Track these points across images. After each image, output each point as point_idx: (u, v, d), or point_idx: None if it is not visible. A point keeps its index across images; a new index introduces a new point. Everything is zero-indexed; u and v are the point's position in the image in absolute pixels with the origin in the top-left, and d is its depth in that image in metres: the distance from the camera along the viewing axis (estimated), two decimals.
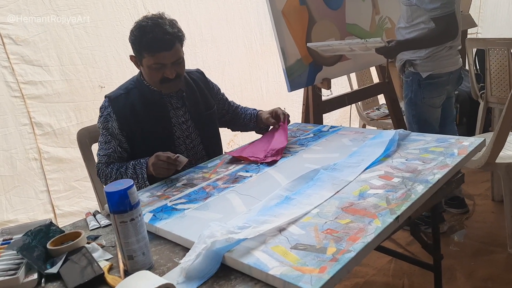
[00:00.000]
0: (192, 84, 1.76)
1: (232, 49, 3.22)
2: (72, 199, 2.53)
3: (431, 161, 1.36)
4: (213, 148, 1.80)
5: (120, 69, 2.60)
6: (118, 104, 1.61)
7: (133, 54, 1.60)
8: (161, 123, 1.65)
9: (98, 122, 1.66)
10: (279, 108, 1.86)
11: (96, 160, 1.69)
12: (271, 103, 3.52)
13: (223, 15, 3.12)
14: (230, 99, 1.97)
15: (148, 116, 1.63)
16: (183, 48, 1.60)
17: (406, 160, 1.40)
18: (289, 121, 1.85)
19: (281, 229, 1.05)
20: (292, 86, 2.23)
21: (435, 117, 2.33)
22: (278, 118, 1.81)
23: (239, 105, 2.00)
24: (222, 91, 1.93)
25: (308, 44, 2.27)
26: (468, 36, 3.95)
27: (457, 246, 2.30)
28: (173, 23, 1.56)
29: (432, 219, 1.66)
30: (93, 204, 2.54)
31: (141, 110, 1.62)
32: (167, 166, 1.46)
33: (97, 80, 2.55)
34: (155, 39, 1.48)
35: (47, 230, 1.13)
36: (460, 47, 2.26)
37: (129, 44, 1.57)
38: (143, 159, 1.54)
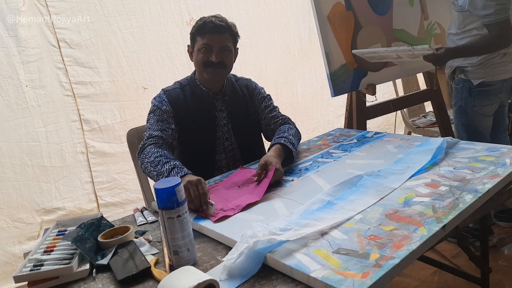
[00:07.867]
0: (238, 90, 1.82)
1: (269, 54, 3.25)
2: (114, 190, 2.66)
3: (481, 170, 1.31)
4: (250, 153, 1.80)
5: (163, 71, 2.72)
6: (172, 95, 1.72)
7: (190, 45, 1.73)
8: (207, 121, 1.73)
9: (150, 109, 1.71)
10: (273, 163, 1.47)
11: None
12: (306, 107, 3.52)
13: (263, 21, 3.15)
14: None
15: (198, 111, 1.72)
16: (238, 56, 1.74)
17: (454, 168, 1.35)
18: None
19: (323, 233, 1.05)
20: (336, 91, 2.21)
21: (486, 126, 2.23)
22: (264, 169, 1.47)
23: (281, 127, 1.79)
24: (271, 104, 1.87)
25: (354, 51, 2.25)
26: None
27: (506, 261, 2.19)
28: (231, 22, 1.71)
29: (480, 230, 1.60)
30: (132, 196, 2.68)
31: (191, 104, 1.72)
32: (192, 198, 1.27)
33: (141, 82, 2.68)
34: (209, 22, 1.64)
35: (98, 224, 1.19)
36: None
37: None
38: (185, 169, 1.39)
